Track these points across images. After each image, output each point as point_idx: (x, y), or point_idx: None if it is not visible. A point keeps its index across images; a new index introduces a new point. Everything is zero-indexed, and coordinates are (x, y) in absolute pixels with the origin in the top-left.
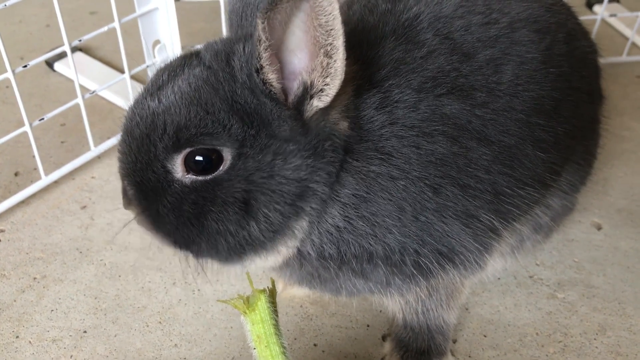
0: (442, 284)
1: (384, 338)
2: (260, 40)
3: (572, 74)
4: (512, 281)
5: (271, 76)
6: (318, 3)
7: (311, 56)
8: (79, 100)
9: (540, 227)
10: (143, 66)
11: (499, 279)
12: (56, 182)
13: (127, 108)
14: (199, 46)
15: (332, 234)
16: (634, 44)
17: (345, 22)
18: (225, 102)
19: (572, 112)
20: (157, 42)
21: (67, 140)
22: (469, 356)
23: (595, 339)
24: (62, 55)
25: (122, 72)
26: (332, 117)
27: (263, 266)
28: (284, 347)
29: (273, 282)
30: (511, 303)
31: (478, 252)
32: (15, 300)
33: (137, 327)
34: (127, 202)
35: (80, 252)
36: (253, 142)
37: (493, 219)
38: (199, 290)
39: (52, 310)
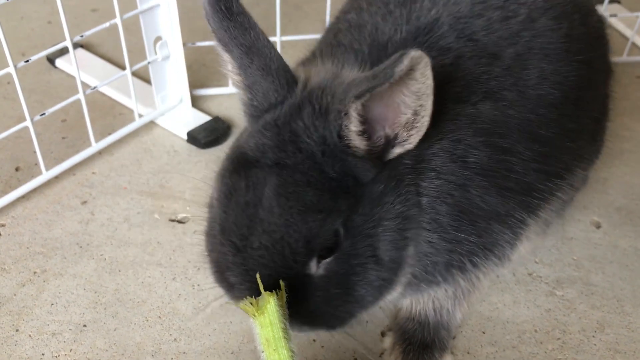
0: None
1: (382, 334)
2: (352, 122)
3: (590, 56)
4: (511, 279)
5: (359, 143)
6: (413, 80)
7: (395, 113)
8: (80, 96)
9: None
10: (144, 63)
11: (497, 276)
12: (57, 178)
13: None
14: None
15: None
16: (634, 45)
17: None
18: (323, 189)
19: (593, 97)
20: (158, 38)
21: (68, 136)
22: (468, 352)
23: (593, 337)
24: (64, 52)
25: (124, 68)
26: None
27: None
28: (293, 351)
29: (282, 286)
30: (510, 300)
31: (511, 246)
32: (15, 294)
33: (136, 321)
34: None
35: (81, 247)
36: (354, 202)
37: (525, 214)
38: (198, 285)
39: (52, 304)
